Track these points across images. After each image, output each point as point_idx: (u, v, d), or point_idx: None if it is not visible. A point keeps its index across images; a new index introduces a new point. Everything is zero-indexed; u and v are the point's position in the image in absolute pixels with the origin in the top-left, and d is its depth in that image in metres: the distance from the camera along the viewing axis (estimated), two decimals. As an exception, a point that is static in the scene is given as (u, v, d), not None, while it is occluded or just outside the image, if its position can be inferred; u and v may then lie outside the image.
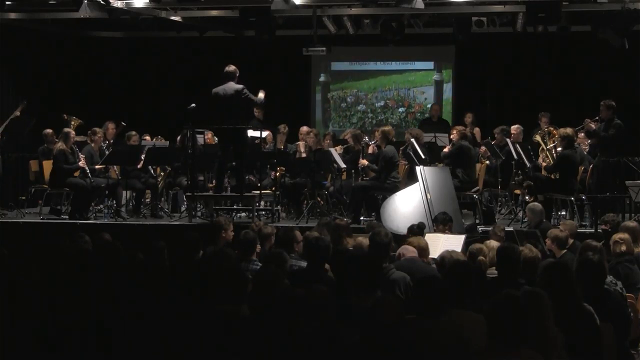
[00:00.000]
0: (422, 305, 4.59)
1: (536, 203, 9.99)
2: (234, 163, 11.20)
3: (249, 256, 6.74)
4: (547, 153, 11.59)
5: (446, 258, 6.17)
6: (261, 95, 11.01)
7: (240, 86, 10.71)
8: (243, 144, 10.95)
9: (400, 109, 15.12)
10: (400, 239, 7.75)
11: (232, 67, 10.81)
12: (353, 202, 11.28)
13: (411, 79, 15.97)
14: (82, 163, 11.44)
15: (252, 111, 12.13)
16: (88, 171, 11.42)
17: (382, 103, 16.01)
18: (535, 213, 9.47)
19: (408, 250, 6.96)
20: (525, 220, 10.56)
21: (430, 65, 15.91)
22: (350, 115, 16.10)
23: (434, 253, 7.25)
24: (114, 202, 11.71)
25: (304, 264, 6.40)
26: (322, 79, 16.30)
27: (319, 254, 6.15)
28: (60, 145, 11.54)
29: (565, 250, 7.70)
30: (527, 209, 9.85)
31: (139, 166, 11.85)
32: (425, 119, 14.64)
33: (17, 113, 12.49)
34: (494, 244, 7.12)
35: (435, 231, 8.66)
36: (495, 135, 12.32)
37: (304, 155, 12.16)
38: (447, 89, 15.81)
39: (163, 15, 13.36)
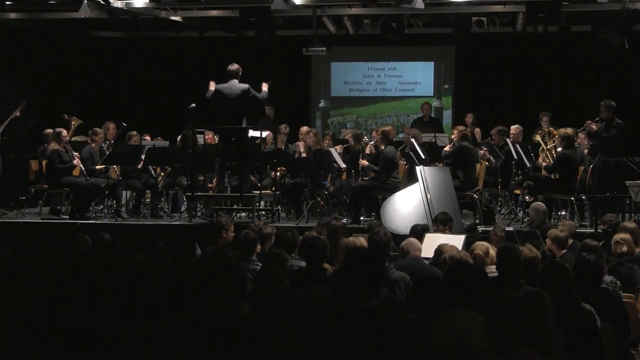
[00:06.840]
0: (422, 305, 4.58)
1: (540, 202, 9.92)
2: (233, 163, 11.20)
3: (249, 256, 6.75)
4: (547, 153, 11.59)
5: (448, 256, 6.14)
6: (264, 89, 11.02)
7: (246, 85, 10.74)
8: (246, 144, 10.95)
9: (400, 135, 15.09)
10: (400, 239, 7.73)
11: (235, 66, 10.84)
12: (353, 202, 11.27)
13: (411, 105, 15.96)
14: (76, 161, 11.44)
15: (259, 111, 12.10)
16: (83, 169, 11.41)
17: (381, 129, 15.98)
18: (538, 213, 9.41)
19: (414, 247, 6.92)
20: (526, 220, 10.55)
21: (430, 92, 15.89)
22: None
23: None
24: (114, 202, 11.72)
25: (304, 264, 6.39)
26: (321, 104, 16.30)
27: (316, 253, 6.15)
28: (53, 145, 11.54)
29: (565, 250, 7.69)
30: (530, 208, 9.78)
31: (139, 166, 11.86)
32: (417, 119, 14.63)
33: (17, 113, 12.49)
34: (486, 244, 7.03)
35: (435, 231, 8.64)
36: (493, 136, 12.30)
37: (304, 155, 12.15)
38: (447, 116, 15.81)
39: (163, 15, 13.36)
